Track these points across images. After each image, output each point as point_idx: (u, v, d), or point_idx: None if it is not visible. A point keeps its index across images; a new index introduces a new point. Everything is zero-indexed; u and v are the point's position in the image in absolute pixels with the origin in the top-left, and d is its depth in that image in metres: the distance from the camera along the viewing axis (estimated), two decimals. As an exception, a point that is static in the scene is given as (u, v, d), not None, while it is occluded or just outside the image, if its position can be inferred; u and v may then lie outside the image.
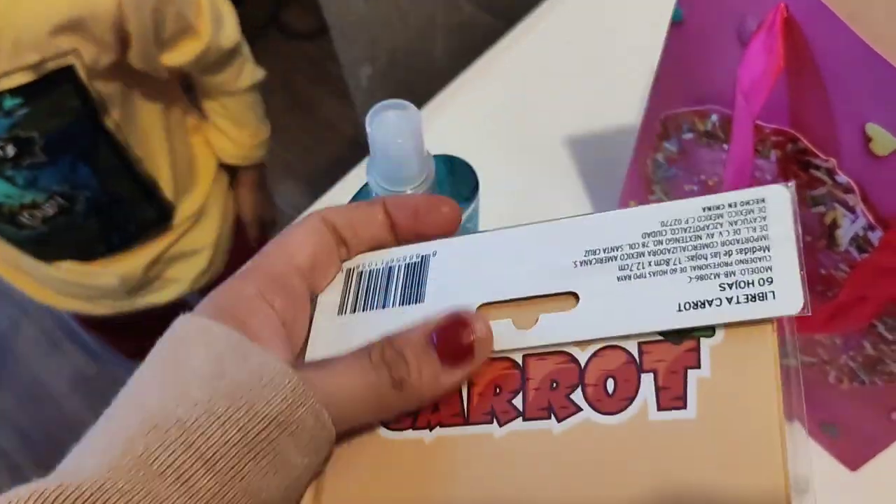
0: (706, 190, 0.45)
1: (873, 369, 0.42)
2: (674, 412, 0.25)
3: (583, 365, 0.27)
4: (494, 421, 0.27)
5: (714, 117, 0.41)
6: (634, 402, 0.26)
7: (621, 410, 0.26)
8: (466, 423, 0.28)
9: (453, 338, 0.26)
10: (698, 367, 0.25)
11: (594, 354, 0.27)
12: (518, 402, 0.27)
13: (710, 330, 0.25)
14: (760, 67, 0.35)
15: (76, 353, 1.54)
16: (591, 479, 0.26)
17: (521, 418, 0.27)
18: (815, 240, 0.39)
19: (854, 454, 0.50)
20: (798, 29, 0.34)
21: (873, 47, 0.31)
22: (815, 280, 0.40)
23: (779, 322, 0.25)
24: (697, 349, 0.25)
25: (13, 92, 0.68)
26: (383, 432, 0.28)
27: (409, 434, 0.28)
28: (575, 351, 0.27)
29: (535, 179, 0.66)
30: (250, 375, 0.24)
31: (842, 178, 0.36)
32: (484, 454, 0.27)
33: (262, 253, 0.29)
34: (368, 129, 0.38)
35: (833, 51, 0.33)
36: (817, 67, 0.34)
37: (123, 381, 0.26)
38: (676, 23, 0.41)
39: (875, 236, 0.36)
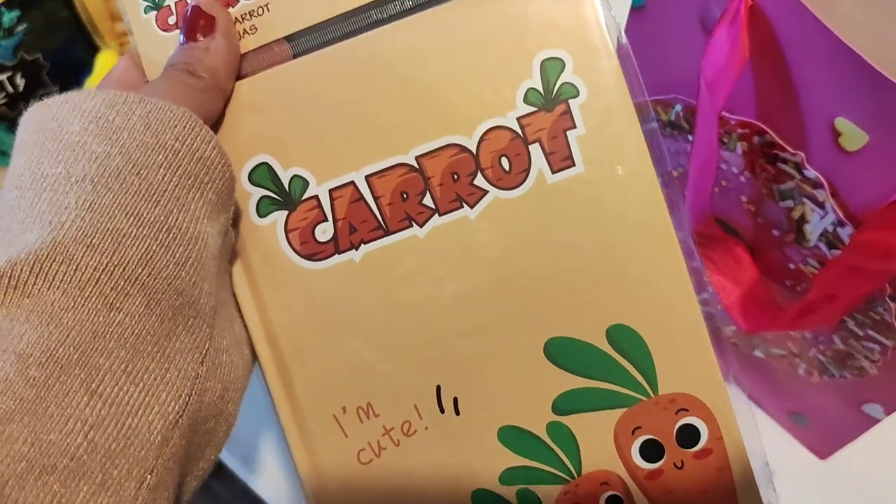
0: (671, 181, 0.43)
1: (843, 364, 0.41)
2: (567, 171, 0.29)
3: (474, 151, 0.29)
4: (413, 224, 0.29)
5: (678, 107, 0.39)
6: (531, 173, 0.29)
7: (522, 182, 0.29)
8: (388, 233, 0.30)
9: (194, 18, 0.29)
10: (574, 126, 0.29)
11: (481, 139, 0.29)
12: (429, 201, 0.29)
13: (573, 89, 0.29)
14: (724, 58, 0.33)
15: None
16: (515, 251, 0.29)
17: (437, 214, 0.29)
18: (783, 234, 0.38)
19: (824, 444, 0.49)
20: (764, 18, 0.32)
21: (843, 39, 0.29)
22: (784, 275, 0.39)
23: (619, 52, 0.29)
24: (569, 111, 0.29)
25: (8, 4, 0.66)
26: (307, 264, 0.30)
27: (337, 259, 0.30)
28: (463, 140, 0.29)
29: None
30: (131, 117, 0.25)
31: (810, 172, 0.34)
32: (413, 256, 0.29)
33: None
34: None
35: (801, 42, 0.31)
36: (784, 59, 0.32)
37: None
38: (637, 8, 0.39)
39: (845, 232, 0.34)
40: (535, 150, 0.29)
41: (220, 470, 0.56)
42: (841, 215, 0.34)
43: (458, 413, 0.30)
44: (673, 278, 0.29)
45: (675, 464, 0.30)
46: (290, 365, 0.30)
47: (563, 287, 0.29)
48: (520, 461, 0.30)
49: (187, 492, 0.27)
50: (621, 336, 0.29)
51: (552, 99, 0.29)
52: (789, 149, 0.34)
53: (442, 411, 0.30)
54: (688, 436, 0.30)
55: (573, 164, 0.29)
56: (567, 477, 0.30)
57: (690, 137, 0.40)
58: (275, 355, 0.30)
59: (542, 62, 0.29)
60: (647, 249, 0.29)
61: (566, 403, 0.30)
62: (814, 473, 0.50)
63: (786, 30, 0.31)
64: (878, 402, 0.41)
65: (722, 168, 0.39)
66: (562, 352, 0.29)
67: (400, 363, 0.30)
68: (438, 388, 0.30)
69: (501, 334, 0.30)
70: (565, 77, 0.29)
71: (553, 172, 0.29)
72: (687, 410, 0.29)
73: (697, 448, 0.30)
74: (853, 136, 0.31)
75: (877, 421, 0.42)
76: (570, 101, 0.29)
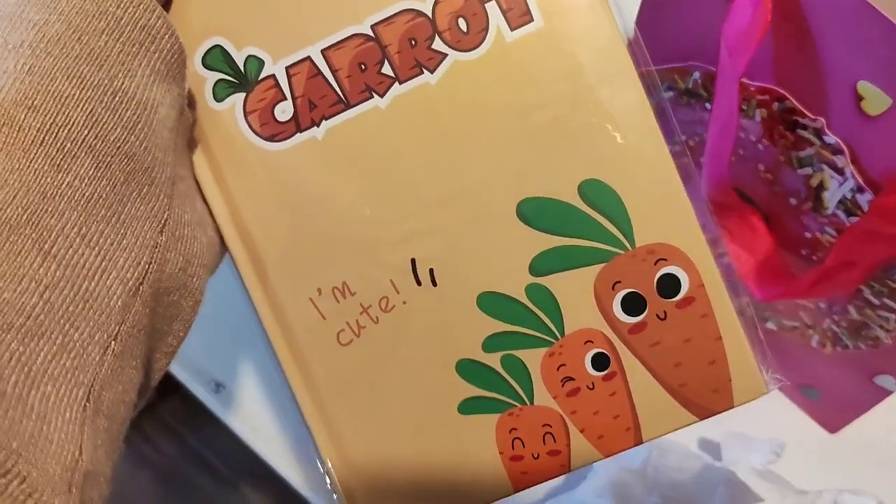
0: (687, 151, 0.43)
1: (858, 334, 0.41)
2: (525, 27, 0.28)
3: (430, 14, 0.29)
4: (374, 95, 0.29)
5: (696, 74, 0.39)
6: (489, 31, 0.28)
7: (481, 42, 0.29)
8: (348, 106, 0.29)
9: None
10: None
11: (436, 2, 0.28)
12: (387, 70, 0.29)
13: None
14: (746, 22, 0.33)
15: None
16: (480, 113, 0.29)
17: (397, 83, 0.29)
18: (801, 202, 0.38)
19: (834, 417, 0.49)
20: (787, -20, 0.31)
21: (868, 0, 0.29)
22: (800, 243, 0.39)
23: None
24: None
25: None
26: (269, 146, 0.30)
27: (299, 138, 0.29)
28: (417, 4, 0.28)
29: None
30: None
31: (831, 138, 0.34)
32: (377, 127, 0.29)
33: None
34: None
35: (824, 4, 0.31)
36: (806, 22, 0.32)
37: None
38: (657, -26, 0.38)
39: (864, 199, 0.34)
40: (492, 9, 0.28)
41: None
42: (860, 181, 0.34)
43: (434, 284, 0.30)
44: (640, 126, 0.29)
45: (657, 315, 0.29)
46: (261, 250, 0.30)
47: (532, 146, 0.29)
48: (502, 327, 0.30)
49: (157, 369, 0.27)
50: (593, 191, 0.29)
51: None
52: (809, 114, 0.34)
53: (419, 284, 0.30)
54: (668, 285, 0.29)
55: (532, 20, 0.28)
56: (550, 339, 0.30)
57: (708, 105, 0.39)
58: (244, 241, 0.30)
59: None
60: (613, 99, 0.28)
61: (543, 264, 0.29)
62: (824, 447, 0.50)
63: (810, -8, 0.31)
64: (891, 373, 0.41)
65: (740, 136, 0.38)
66: (535, 212, 0.29)
67: (372, 239, 0.30)
68: (413, 260, 0.29)
69: (473, 200, 0.29)
70: None
71: (512, 30, 0.28)
72: (665, 260, 0.29)
73: (679, 297, 0.29)
74: (876, 99, 0.31)
75: (889, 393, 0.42)
76: None
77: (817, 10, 0.31)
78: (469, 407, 0.30)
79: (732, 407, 0.30)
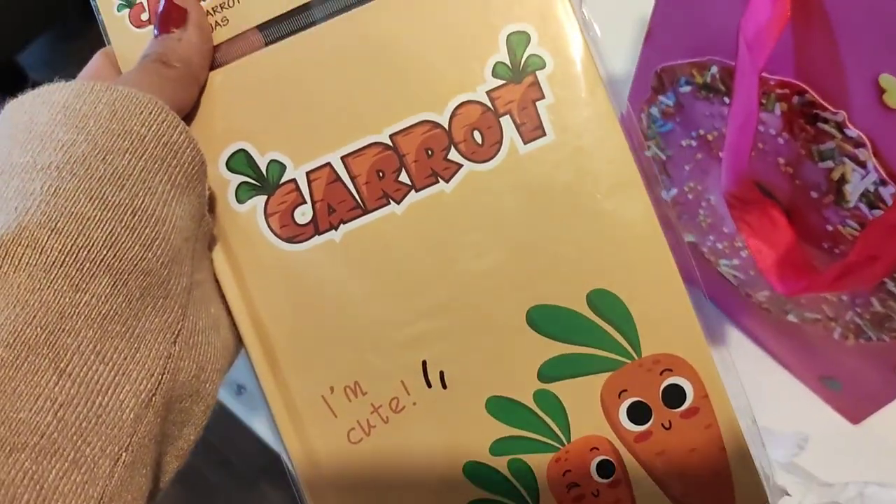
0: (705, 145, 0.43)
1: (881, 326, 0.41)
2: (538, 141, 0.30)
3: (447, 126, 0.30)
4: (390, 201, 0.30)
5: (714, 69, 0.39)
6: (503, 144, 0.30)
7: (495, 155, 0.30)
8: (366, 211, 0.30)
9: (167, 11, 0.30)
10: (543, 97, 0.30)
11: (453, 115, 0.30)
12: (404, 178, 0.30)
13: (540, 61, 0.29)
14: (765, 16, 0.33)
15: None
16: (492, 222, 0.30)
17: (413, 190, 0.30)
18: (822, 195, 0.37)
19: (856, 408, 0.49)
20: (807, -26, 0.31)
21: (890, -8, 0.29)
22: (822, 236, 0.39)
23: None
24: (537, 82, 0.30)
25: None
26: (288, 247, 0.30)
27: (317, 240, 0.30)
28: (435, 117, 0.30)
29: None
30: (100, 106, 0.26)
31: (852, 131, 0.34)
32: (393, 233, 0.30)
33: None
34: None
35: (845, -3, 0.31)
36: (826, 14, 0.32)
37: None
38: (672, -31, 0.38)
39: (887, 192, 0.34)
40: (507, 122, 0.30)
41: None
42: (883, 174, 0.34)
43: (444, 387, 0.30)
44: (648, 238, 0.29)
45: (663, 424, 0.30)
46: (276, 347, 0.31)
47: (542, 255, 0.30)
48: (509, 431, 0.30)
49: (168, 472, 0.27)
50: (601, 300, 0.30)
51: (520, 71, 0.30)
52: (830, 108, 0.34)
53: (429, 385, 0.30)
54: (674, 395, 0.30)
55: (544, 134, 0.29)
56: (557, 444, 0.30)
57: (727, 100, 0.39)
58: (261, 339, 0.31)
59: (508, 36, 0.30)
60: (620, 209, 0.29)
61: (552, 370, 0.30)
62: (846, 438, 0.50)
63: (830, -15, 0.31)
64: (915, 364, 0.41)
65: (759, 130, 0.38)
66: (544, 319, 0.30)
67: (385, 340, 0.30)
68: (424, 362, 0.30)
69: (484, 305, 0.30)
70: (531, 49, 0.30)
71: (525, 143, 0.30)
72: (671, 371, 0.30)
73: (684, 407, 0.30)
74: (898, 92, 0.31)
75: (913, 383, 0.42)
76: (538, 73, 0.29)
77: (838, 2, 0.31)
78: None
79: None
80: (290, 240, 0.30)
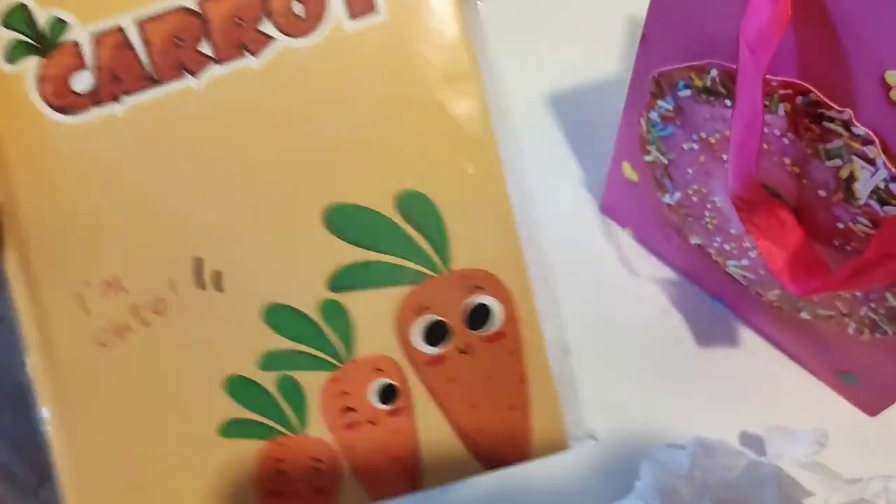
0: (707, 148, 0.43)
1: (896, 320, 0.40)
2: (366, 18, 0.26)
3: None
4: (187, 74, 0.26)
5: (713, 72, 0.39)
6: (326, 18, 0.26)
7: (315, 29, 0.26)
8: (155, 83, 0.26)
9: None
10: None
11: None
12: (206, 48, 0.26)
13: None
14: (766, 17, 0.32)
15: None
16: (302, 104, 0.26)
17: (215, 64, 0.26)
18: (831, 194, 0.37)
19: (873, 401, 0.49)
20: (806, -27, 0.31)
21: (894, -11, 0.28)
22: (833, 234, 0.38)
23: None
24: None
25: None
26: (60, 118, 0.26)
27: (96, 112, 0.26)
28: None
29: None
30: None
31: (859, 129, 0.33)
32: (187, 110, 0.26)
33: None
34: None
35: (847, -5, 0.30)
36: (828, 12, 0.31)
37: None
38: (666, -27, 0.38)
39: (898, 188, 0.34)
40: None
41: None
42: (894, 171, 0.33)
43: (220, 290, 0.27)
44: (476, 139, 0.26)
45: (459, 348, 0.27)
46: (31, 231, 0.27)
47: (352, 147, 0.26)
48: (284, 344, 0.27)
49: None
50: (411, 203, 0.27)
51: None
52: (836, 107, 0.34)
53: (202, 287, 0.27)
54: (479, 316, 0.27)
55: (374, 11, 0.26)
56: (336, 362, 0.27)
57: (728, 102, 0.39)
58: (13, 219, 0.27)
59: None
60: (452, 103, 0.26)
61: (345, 279, 0.27)
62: (865, 432, 0.50)
63: (830, -16, 0.30)
64: (932, 356, 0.40)
65: (763, 131, 0.38)
66: (343, 220, 0.27)
67: (157, 230, 0.27)
68: (200, 259, 0.27)
69: (278, 198, 0.27)
70: None
71: (352, 17, 0.26)
72: (481, 288, 0.27)
73: (489, 331, 0.27)
74: (906, 88, 0.30)
75: (931, 375, 0.42)
76: None
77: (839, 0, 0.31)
78: (232, 429, 0.27)
79: (527, 460, 0.27)
80: (62, 110, 0.27)
